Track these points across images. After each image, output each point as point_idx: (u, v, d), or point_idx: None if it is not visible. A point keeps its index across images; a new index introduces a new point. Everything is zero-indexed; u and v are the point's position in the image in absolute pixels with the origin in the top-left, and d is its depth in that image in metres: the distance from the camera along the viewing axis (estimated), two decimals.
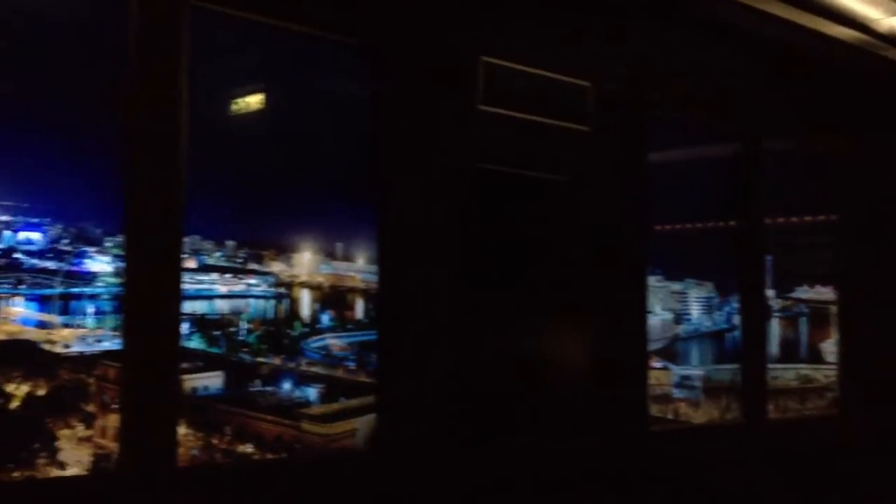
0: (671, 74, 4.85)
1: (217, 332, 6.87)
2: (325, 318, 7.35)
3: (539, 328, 4.37)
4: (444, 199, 4.03)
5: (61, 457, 5.35)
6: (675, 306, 9.04)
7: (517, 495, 4.07)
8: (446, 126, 4.06)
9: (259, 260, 7.33)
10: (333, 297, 7.34)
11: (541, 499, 4.12)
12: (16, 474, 5.12)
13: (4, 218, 6.16)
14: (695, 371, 8.29)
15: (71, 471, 5.27)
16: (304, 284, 7.32)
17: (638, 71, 4.70)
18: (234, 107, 4.93)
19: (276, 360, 6.86)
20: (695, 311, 9.14)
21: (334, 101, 5.85)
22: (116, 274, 3.03)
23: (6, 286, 6.02)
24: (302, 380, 6.76)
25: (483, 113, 4.12)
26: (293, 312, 7.32)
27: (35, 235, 6.21)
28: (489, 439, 4.12)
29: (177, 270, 3.30)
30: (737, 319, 5.56)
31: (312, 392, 6.67)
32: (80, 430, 5.52)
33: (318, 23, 3.79)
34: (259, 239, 7.37)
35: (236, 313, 7.05)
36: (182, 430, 3.43)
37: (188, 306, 6.59)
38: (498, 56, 4.16)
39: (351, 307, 7.45)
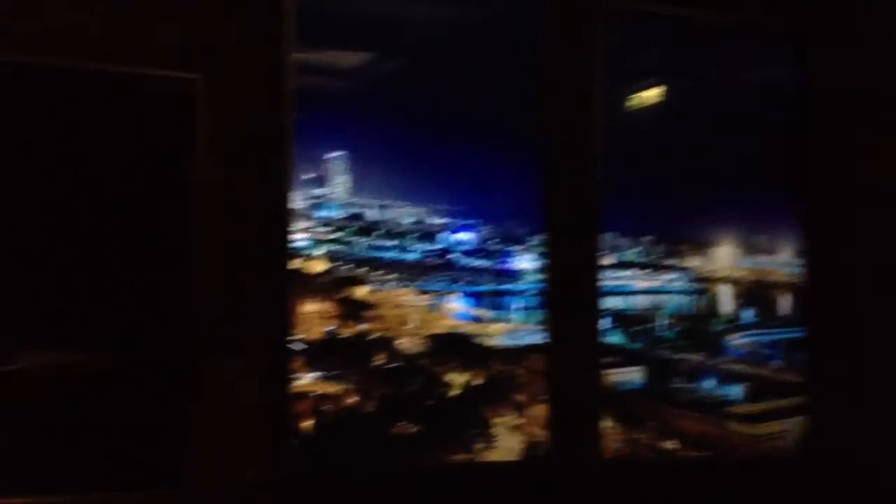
0: None
1: (636, 328, 6.89)
2: (748, 315, 7.05)
3: None
4: None
5: (496, 443, 5.69)
6: None
7: None
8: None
9: (676, 255, 7.22)
10: (756, 293, 7.01)
11: None
12: (457, 457, 5.54)
13: (442, 220, 6.73)
14: None
15: (504, 456, 5.58)
16: (723, 279, 7.08)
17: None
18: (638, 101, 4.91)
19: (697, 357, 6.71)
20: None
21: (745, 90, 5.59)
22: (539, 271, 3.19)
23: (444, 283, 6.56)
24: (724, 377, 6.55)
25: None
26: (713, 308, 7.11)
27: (468, 236, 6.68)
28: None
29: (595, 267, 3.37)
30: None
31: (736, 390, 6.43)
32: (513, 418, 5.83)
33: (733, 8, 3.65)
34: (675, 234, 7.26)
35: (655, 309, 7.02)
36: (605, 422, 3.49)
37: (607, 302, 6.67)
38: None
39: (775, 303, 7.06)
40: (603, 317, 3.48)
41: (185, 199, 2.79)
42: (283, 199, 2.98)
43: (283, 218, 2.99)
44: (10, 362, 2.65)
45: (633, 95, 4.89)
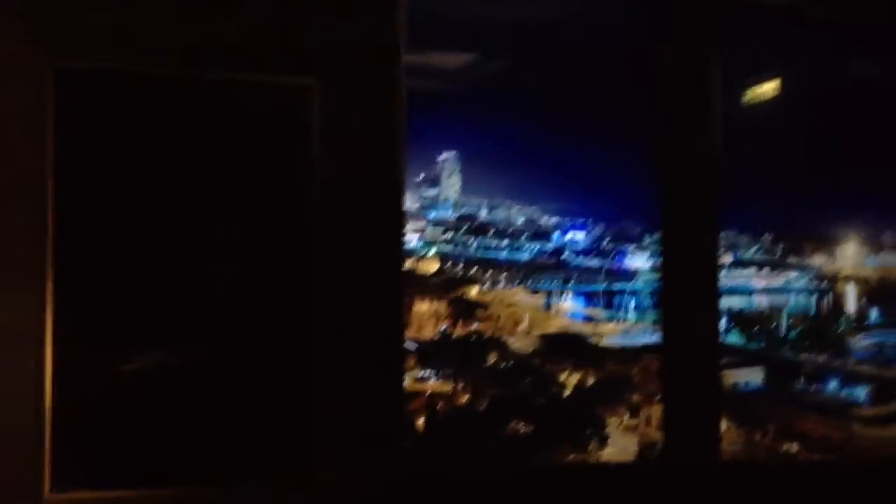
0: None
1: (755, 328, 6.72)
2: (874, 315, 6.77)
3: None
4: None
5: (609, 443, 5.65)
6: None
7: None
8: None
9: (798, 253, 7.00)
10: (883, 292, 6.74)
11: None
12: (569, 457, 5.52)
13: (554, 220, 6.70)
14: None
15: (618, 457, 5.53)
16: (848, 278, 6.83)
17: None
18: (757, 95, 4.79)
19: (820, 358, 6.49)
20: None
21: (867, 83, 5.37)
22: (655, 270, 3.13)
23: (556, 283, 6.54)
24: (849, 379, 6.31)
25: None
26: (837, 308, 6.87)
27: (580, 235, 6.65)
28: None
29: (713, 266, 3.30)
30: None
31: (862, 392, 6.19)
32: (626, 419, 5.77)
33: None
34: (797, 232, 7.04)
35: (776, 309, 6.83)
36: (723, 424, 3.41)
37: (725, 302, 6.53)
38: None
39: None
40: (721, 317, 3.40)
41: (302, 202, 2.86)
42: (396, 201, 3.01)
43: (396, 219, 3.02)
44: (132, 362, 2.75)
45: (757, 89, 4.76)
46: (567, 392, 5.91)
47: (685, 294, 3.27)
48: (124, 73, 2.75)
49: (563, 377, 5.95)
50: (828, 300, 6.89)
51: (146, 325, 2.79)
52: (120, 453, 2.75)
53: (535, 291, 6.47)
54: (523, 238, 6.62)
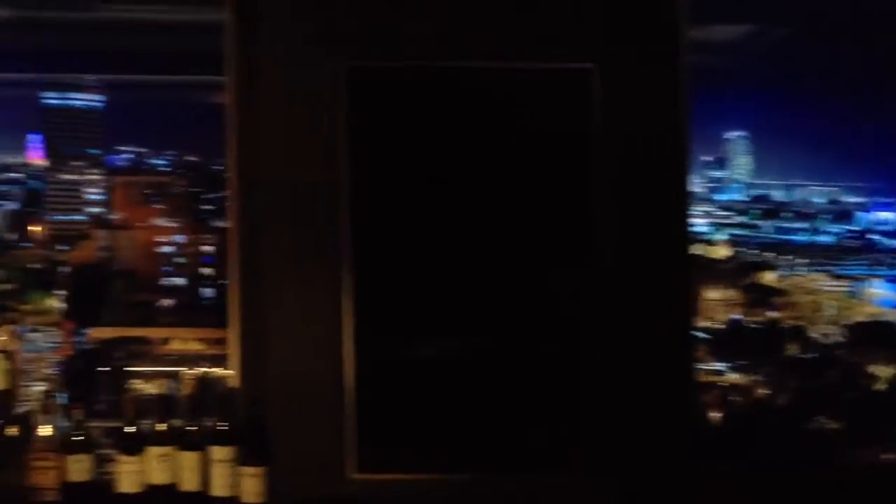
0: None
1: None
2: None
3: None
4: None
5: None
6: None
7: None
8: None
9: None
10: None
11: None
12: (883, 456, 5.08)
13: (858, 199, 6.21)
14: None
15: None
16: None
17: None
18: None
19: None
20: None
21: None
22: None
23: (863, 267, 6.06)
24: None
25: None
26: None
27: (888, 215, 6.12)
28: None
29: None
30: None
31: None
32: None
33: None
34: None
35: None
36: None
37: None
38: None
39: None
40: None
41: (583, 187, 2.82)
42: (681, 183, 2.89)
43: (682, 202, 2.90)
44: (423, 350, 2.85)
45: None
46: (879, 386, 5.48)
47: None
48: (414, 69, 2.85)
49: (874, 370, 5.51)
50: None
51: (437, 313, 2.87)
52: (419, 438, 2.84)
53: (840, 276, 6.04)
54: (824, 219, 6.20)
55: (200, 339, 5.55)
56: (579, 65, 2.86)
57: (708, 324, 5.67)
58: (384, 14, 2.81)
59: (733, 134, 6.31)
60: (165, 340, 5.76)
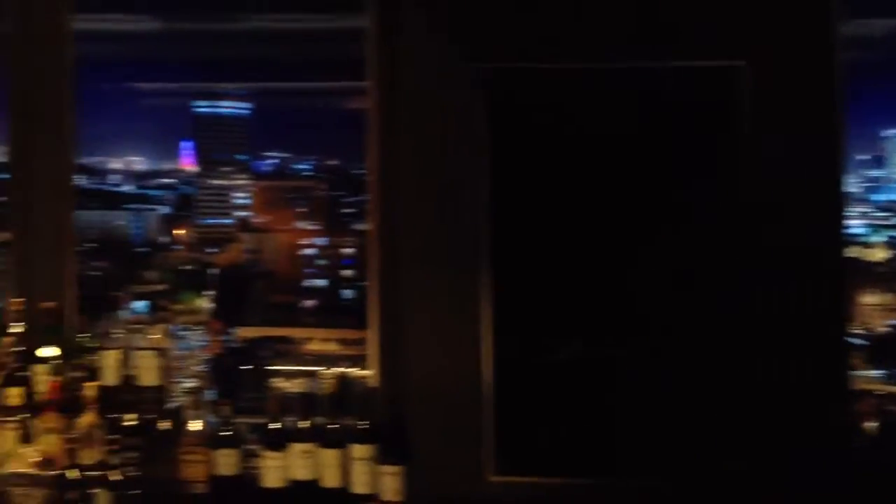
0: None
1: None
2: None
3: None
4: None
5: None
6: None
7: None
8: None
9: None
10: None
11: None
12: None
13: None
14: None
15: None
16: None
17: None
18: None
19: None
20: None
21: None
22: None
23: None
24: None
25: None
26: None
27: None
28: None
29: None
30: None
31: None
32: None
33: None
34: None
35: None
36: None
37: None
38: None
39: None
40: None
41: (732, 186, 2.73)
42: (835, 182, 2.77)
43: (836, 202, 2.77)
44: (561, 352, 2.83)
45: None
46: None
47: None
48: (556, 71, 2.83)
49: None
50: None
51: (576, 314, 2.85)
52: (557, 440, 2.82)
53: None
54: None
55: (340, 340, 5.66)
56: (729, 62, 2.78)
57: (864, 330, 5.40)
58: (524, 16, 2.80)
59: (891, 131, 6.01)
60: (306, 340, 5.91)
